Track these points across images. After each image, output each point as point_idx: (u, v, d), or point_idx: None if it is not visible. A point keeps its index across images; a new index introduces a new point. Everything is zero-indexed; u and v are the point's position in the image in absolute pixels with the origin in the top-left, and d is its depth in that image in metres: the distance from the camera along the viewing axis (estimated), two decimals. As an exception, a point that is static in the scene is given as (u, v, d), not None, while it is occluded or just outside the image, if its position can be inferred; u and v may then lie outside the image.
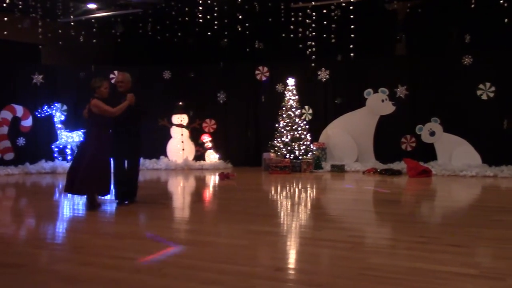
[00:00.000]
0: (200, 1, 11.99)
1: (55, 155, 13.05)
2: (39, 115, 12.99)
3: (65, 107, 13.47)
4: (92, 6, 13.05)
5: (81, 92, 13.89)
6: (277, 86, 13.79)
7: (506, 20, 10.75)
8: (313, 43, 12.41)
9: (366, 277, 3.98)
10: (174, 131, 13.83)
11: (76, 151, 7.39)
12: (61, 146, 13.08)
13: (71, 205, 7.86)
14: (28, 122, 13.01)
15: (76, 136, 13.08)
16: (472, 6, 11.01)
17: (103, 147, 7.17)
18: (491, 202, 8.01)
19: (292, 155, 12.53)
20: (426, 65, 12.66)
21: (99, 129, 7.19)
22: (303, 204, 8.02)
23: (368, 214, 7.19)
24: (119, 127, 7.36)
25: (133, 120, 7.48)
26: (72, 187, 7.21)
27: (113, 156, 7.44)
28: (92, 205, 7.27)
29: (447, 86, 12.39)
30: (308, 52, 12.51)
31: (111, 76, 14.04)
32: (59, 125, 13.03)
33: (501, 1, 10.58)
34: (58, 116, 13.04)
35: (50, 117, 13.07)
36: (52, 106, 13.04)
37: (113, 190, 7.74)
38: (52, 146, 13.05)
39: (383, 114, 12.81)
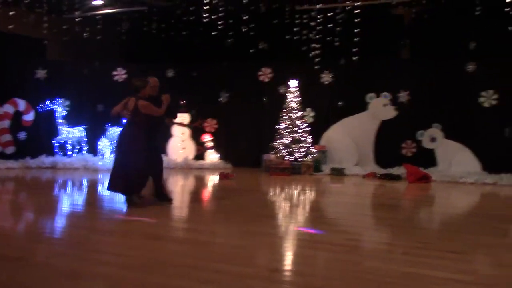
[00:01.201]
0: (205, 1, 12.01)
1: (56, 150, 13.07)
2: (41, 110, 13.00)
3: (67, 103, 13.51)
4: (97, 2, 13.09)
5: (84, 88, 13.99)
6: (279, 88, 13.80)
7: (510, 28, 10.76)
8: (317, 45, 12.42)
9: (362, 280, 4.00)
10: (175, 129, 13.84)
11: (120, 149, 7.32)
12: (62, 141, 13.10)
13: (71, 200, 7.88)
14: (30, 117, 13.03)
15: (77, 132, 13.10)
16: (477, 13, 11.02)
17: (154, 146, 7.39)
18: (490, 210, 8.01)
19: (292, 157, 12.54)
20: (429, 71, 12.64)
21: (147, 128, 7.22)
22: (301, 206, 8.02)
23: (366, 218, 7.19)
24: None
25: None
26: (121, 186, 7.15)
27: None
28: (131, 203, 7.22)
29: (450, 92, 12.39)
30: (311, 54, 12.53)
31: (114, 73, 14.10)
32: (61, 120, 13.05)
33: (506, 9, 10.58)
34: (60, 111, 13.06)
35: (52, 112, 13.09)
36: (54, 101, 13.06)
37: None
38: (53, 141, 13.07)
39: (385, 119, 12.81)
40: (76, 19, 13.16)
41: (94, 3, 13.04)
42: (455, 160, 12.02)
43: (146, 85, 7.27)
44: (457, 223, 6.95)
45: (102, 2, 13.05)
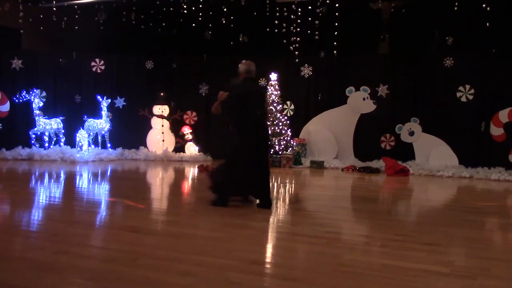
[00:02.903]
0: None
1: (32, 141, 12.84)
2: (17, 101, 12.76)
3: (44, 94, 13.28)
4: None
5: (62, 78, 13.77)
6: (259, 81, 13.77)
7: (487, 24, 10.91)
8: (297, 39, 12.43)
9: (341, 273, 4.03)
10: (155, 121, 13.74)
11: None
12: (38, 133, 12.87)
13: (48, 193, 7.77)
14: (5, 108, 12.80)
15: (55, 123, 12.89)
16: (455, 8, 11.14)
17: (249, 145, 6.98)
18: (466, 203, 8.13)
19: (272, 150, 12.55)
20: (408, 65, 12.76)
21: (236, 124, 7.12)
22: (281, 199, 8.04)
23: (345, 211, 7.24)
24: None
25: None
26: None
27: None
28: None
29: (428, 86, 12.53)
30: (291, 47, 12.54)
31: (92, 63, 13.92)
32: (37, 112, 12.81)
33: (484, 5, 10.72)
34: (37, 103, 12.82)
35: (28, 103, 12.84)
36: (30, 92, 12.82)
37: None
38: (30, 133, 12.84)
39: (364, 113, 12.90)
40: (53, 8, 12.91)
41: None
42: (433, 153, 12.17)
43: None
44: (434, 215, 7.04)
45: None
